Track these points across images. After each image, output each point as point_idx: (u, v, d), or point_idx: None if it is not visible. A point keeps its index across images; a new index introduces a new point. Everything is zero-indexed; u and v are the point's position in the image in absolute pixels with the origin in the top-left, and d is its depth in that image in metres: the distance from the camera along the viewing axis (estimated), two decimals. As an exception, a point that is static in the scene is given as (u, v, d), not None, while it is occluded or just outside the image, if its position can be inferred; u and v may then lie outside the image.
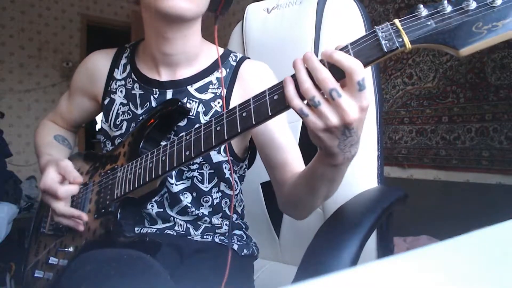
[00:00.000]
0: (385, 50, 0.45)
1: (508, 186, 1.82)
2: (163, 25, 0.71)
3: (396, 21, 0.45)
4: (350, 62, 0.44)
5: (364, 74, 0.44)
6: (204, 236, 0.79)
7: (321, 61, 0.47)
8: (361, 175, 0.86)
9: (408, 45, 0.44)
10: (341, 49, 0.47)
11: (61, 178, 0.69)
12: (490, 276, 0.24)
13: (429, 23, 0.44)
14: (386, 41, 0.45)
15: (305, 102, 0.47)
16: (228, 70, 0.79)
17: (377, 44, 0.45)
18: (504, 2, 0.41)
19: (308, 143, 0.94)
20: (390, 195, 0.76)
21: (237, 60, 0.81)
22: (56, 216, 0.70)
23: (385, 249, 0.81)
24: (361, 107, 0.45)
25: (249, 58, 0.83)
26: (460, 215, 1.91)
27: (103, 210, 0.69)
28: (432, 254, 0.27)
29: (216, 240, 0.80)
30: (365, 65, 0.46)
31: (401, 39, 0.44)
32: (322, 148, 0.51)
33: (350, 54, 0.46)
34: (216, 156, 0.77)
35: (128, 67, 0.83)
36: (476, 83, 1.97)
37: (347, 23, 0.92)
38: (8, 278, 1.97)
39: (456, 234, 0.29)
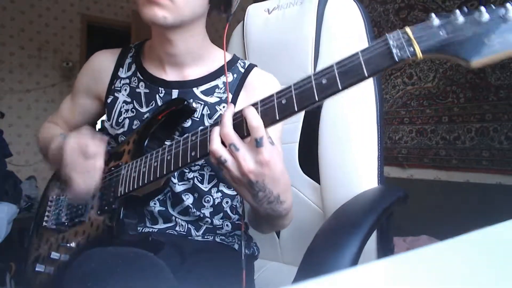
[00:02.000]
0: (396, 59, 0.44)
1: (508, 186, 1.82)
2: (160, 28, 0.72)
3: (408, 29, 0.45)
4: (253, 121, 0.50)
5: (262, 134, 0.50)
6: (205, 236, 0.79)
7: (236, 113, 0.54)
8: (361, 175, 0.86)
9: (420, 54, 0.44)
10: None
11: (89, 138, 0.69)
12: (490, 276, 0.24)
13: (440, 33, 0.43)
14: (397, 50, 0.44)
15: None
16: (235, 76, 0.80)
17: (388, 53, 0.45)
18: None
19: (309, 144, 0.95)
20: (390, 195, 0.77)
21: (246, 67, 0.82)
22: (83, 176, 0.67)
23: (385, 249, 0.81)
24: (258, 161, 0.51)
25: (256, 66, 0.83)
26: (460, 215, 1.91)
27: (106, 207, 0.69)
28: (432, 254, 0.27)
29: (217, 240, 0.80)
30: (375, 73, 0.46)
31: (412, 48, 0.44)
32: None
33: (360, 61, 0.46)
34: None
35: (133, 66, 0.83)
36: (476, 83, 1.97)
37: (347, 24, 0.92)
38: (8, 278, 1.97)
39: (456, 234, 0.29)
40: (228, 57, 0.83)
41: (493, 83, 1.90)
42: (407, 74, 2.29)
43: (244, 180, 0.53)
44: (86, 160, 0.67)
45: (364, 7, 0.94)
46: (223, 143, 0.53)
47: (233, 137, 0.52)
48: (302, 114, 0.98)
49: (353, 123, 0.88)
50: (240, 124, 0.53)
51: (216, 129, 0.53)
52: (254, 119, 0.51)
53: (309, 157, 0.95)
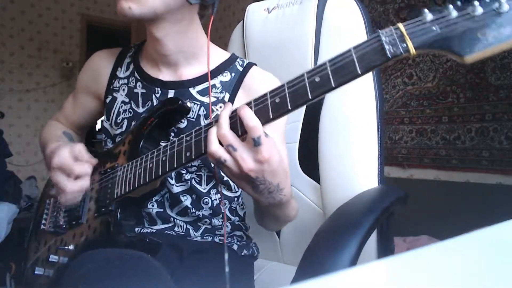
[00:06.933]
0: (389, 55, 0.44)
1: (508, 186, 1.81)
2: (146, 25, 0.73)
3: (400, 25, 0.44)
4: (249, 121, 0.50)
5: (260, 133, 0.50)
6: (204, 237, 0.79)
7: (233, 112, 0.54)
8: (361, 175, 0.86)
9: (412, 50, 0.43)
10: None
11: (74, 159, 0.69)
12: (490, 276, 0.24)
13: (433, 28, 0.43)
14: (390, 46, 0.44)
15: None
16: (233, 74, 0.79)
17: (381, 49, 0.44)
18: (511, 8, 0.40)
19: (309, 143, 0.95)
20: (390, 195, 0.76)
21: (244, 65, 0.81)
22: (65, 195, 0.68)
23: (385, 249, 0.81)
24: (258, 160, 0.51)
25: (255, 64, 0.82)
26: (460, 215, 1.90)
27: (103, 209, 0.69)
28: (432, 254, 0.27)
29: (216, 240, 0.80)
30: (368, 70, 0.46)
31: (405, 44, 0.43)
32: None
33: (353, 58, 0.46)
34: None
35: (132, 66, 0.83)
36: (476, 83, 1.97)
37: (347, 23, 0.92)
38: (8, 278, 1.97)
39: (456, 234, 0.29)
40: (226, 56, 0.82)
41: (493, 83, 1.90)
42: (407, 74, 2.29)
43: (244, 176, 0.53)
44: (74, 180, 0.68)
45: (365, 7, 0.94)
46: (220, 143, 0.53)
47: (230, 137, 0.52)
48: (302, 114, 0.98)
49: (353, 123, 0.88)
50: (237, 123, 0.53)
51: (213, 130, 0.53)
52: (251, 119, 0.51)
53: (309, 157, 0.95)
